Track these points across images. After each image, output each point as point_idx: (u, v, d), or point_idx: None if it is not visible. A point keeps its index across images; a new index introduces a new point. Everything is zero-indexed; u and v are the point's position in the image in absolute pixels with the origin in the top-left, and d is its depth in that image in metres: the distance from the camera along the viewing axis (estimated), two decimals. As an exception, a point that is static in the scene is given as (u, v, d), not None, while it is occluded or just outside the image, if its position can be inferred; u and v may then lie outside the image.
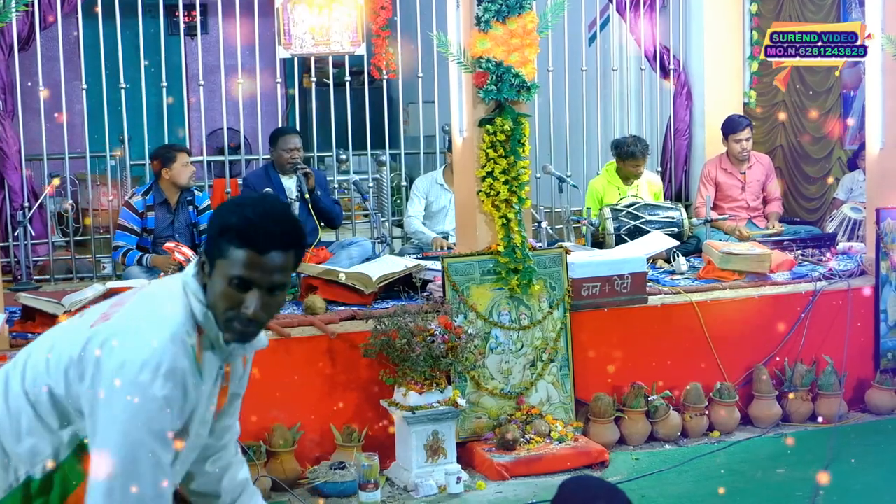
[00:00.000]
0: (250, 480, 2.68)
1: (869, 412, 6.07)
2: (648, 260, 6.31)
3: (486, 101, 5.41)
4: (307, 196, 6.53)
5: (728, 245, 6.48)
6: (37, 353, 2.36)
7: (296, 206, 6.48)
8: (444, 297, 5.36)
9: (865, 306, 6.17)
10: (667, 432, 5.64)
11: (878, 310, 6.19)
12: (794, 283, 6.18)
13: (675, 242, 6.75)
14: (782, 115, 8.27)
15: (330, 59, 7.72)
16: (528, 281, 5.46)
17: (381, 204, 7.86)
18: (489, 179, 5.45)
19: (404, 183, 8.35)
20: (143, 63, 7.04)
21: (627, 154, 7.19)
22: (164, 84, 7.23)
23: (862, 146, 7.03)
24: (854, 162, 7.62)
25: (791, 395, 5.89)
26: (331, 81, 7.74)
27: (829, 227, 7.36)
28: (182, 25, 7.53)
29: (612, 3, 8.22)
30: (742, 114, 8.09)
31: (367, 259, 6.32)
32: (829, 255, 6.68)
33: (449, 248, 6.75)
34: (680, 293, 5.94)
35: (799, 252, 6.69)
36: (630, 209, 7.00)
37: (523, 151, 5.49)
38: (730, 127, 7.52)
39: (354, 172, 7.73)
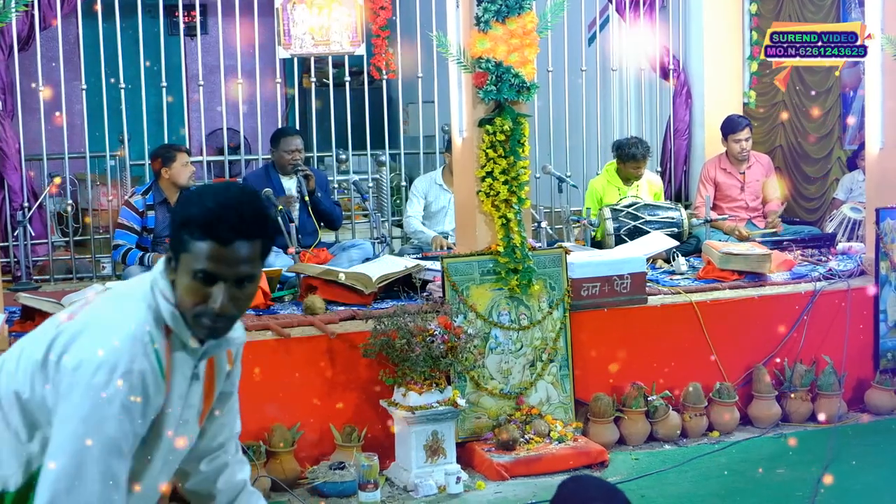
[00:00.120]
0: (250, 482, 2.62)
1: (868, 412, 6.07)
2: (648, 260, 6.31)
3: (486, 101, 5.41)
4: (307, 198, 6.53)
5: (728, 245, 6.48)
6: (10, 358, 2.28)
7: (296, 208, 6.48)
8: (444, 298, 5.36)
9: (865, 306, 6.17)
10: (666, 432, 5.64)
11: (877, 310, 6.19)
12: (794, 283, 6.18)
13: (675, 243, 6.76)
14: (782, 116, 8.27)
15: (329, 59, 7.72)
16: (528, 281, 5.46)
17: (380, 204, 7.86)
18: (489, 179, 5.45)
19: (404, 183, 8.36)
20: (143, 63, 7.04)
21: (628, 156, 7.19)
22: (164, 84, 7.23)
23: (861, 146, 7.03)
24: (853, 162, 7.62)
25: (792, 396, 5.89)
26: (330, 81, 7.75)
27: (829, 228, 7.37)
28: (182, 26, 7.53)
29: (611, 3, 8.23)
30: (741, 114, 8.10)
31: (367, 260, 6.32)
32: (829, 255, 6.69)
33: (448, 247, 6.75)
34: (680, 293, 5.94)
35: (798, 252, 6.69)
36: (630, 209, 7.00)
37: (523, 151, 5.49)
38: (729, 127, 7.53)
39: (354, 172, 7.73)
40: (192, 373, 2.27)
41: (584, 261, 5.77)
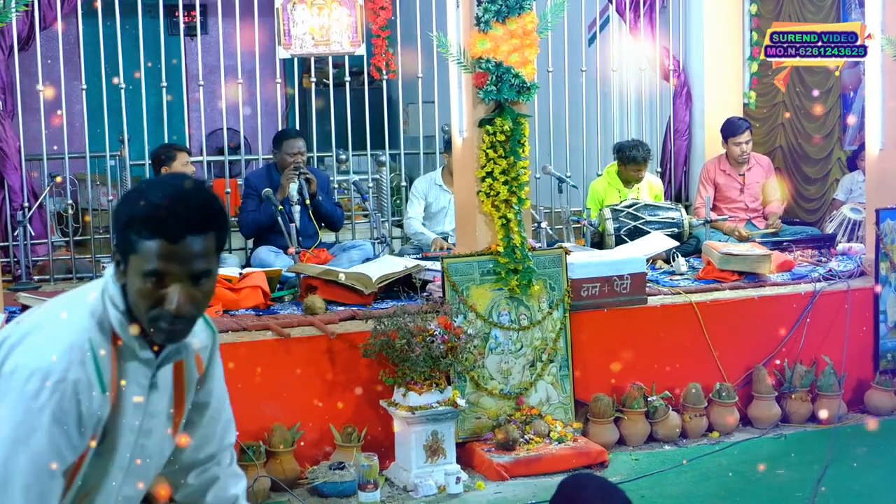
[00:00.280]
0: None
1: (868, 413, 6.07)
2: (648, 260, 6.32)
3: (486, 101, 5.41)
4: (308, 202, 6.53)
5: (728, 246, 6.48)
6: None
7: (296, 210, 6.48)
8: (444, 298, 5.36)
9: (865, 307, 6.17)
10: (666, 433, 5.64)
11: (877, 310, 6.19)
12: (794, 283, 6.18)
13: (675, 243, 6.76)
14: (782, 116, 8.27)
15: (330, 59, 7.72)
16: (528, 281, 5.46)
17: (380, 204, 7.86)
18: (489, 180, 5.45)
19: (404, 183, 8.35)
20: (143, 63, 7.04)
21: (629, 158, 7.20)
22: (164, 84, 7.23)
23: (861, 147, 7.03)
24: (853, 162, 7.62)
25: (792, 396, 5.89)
26: (330, 82, 7.75)
27: (829, 228, 7.36)
28: (182, 26, 7.52)
29: (611, 3, 8.23)
30: (742, 115, 8.10)
31: (367, 260, 6.32)
32: (829, 256, 6.69)
33: (448, 249, 6.75)
34: (679, 294, 5.94)
35: (798, 253, 6.69)
36: (630, 210, 7.00)
37: (523, 152, 5.49)
38: (729, 130, 7.53)
39: (354, 172, 7.72)
40: (150, 382, 2.13)
41: (583, 261, 5.77)
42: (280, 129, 8.64)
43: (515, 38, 5.34)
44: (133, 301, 2.05)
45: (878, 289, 6.16)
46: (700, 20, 8.35)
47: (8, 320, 5.03)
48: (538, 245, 5.99)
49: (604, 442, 5.45)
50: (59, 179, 7.50)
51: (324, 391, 5.18)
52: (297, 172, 6.51)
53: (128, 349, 2.08)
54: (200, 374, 2.29)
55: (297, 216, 6.49)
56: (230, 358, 4.98)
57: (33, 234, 6.89)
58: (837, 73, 7.70)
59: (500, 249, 5.44)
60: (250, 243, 6.96)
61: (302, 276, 5.75)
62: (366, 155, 8.03)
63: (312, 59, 7.67)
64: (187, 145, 7.42)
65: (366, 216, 7.78)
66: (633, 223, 6.93)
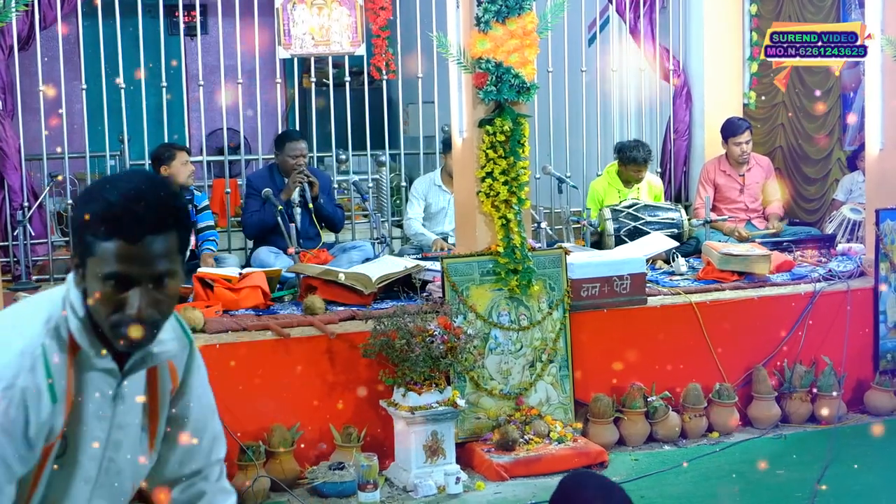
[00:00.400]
0: None
1: (868, 413, 6.07)
2: (648, 261, 6.32)
3: (486, 101, 5.41)
4: (311, 205, 6.54)
5: (727, 246, 6.48)
6: None
7: (297, 212, 6.49)
8: (444, 298, 5.36)
9: (865, 307, 6.17)
10: (666, 433, 5.64)
11: (877, 311, 6.19)
12: (794, 284, 6.18)
13: (675, 243, 6.76)
14: (782, 116, 8.27)
15: (330, 59, 7.72)
16: (528, 281, 5.46)
17: (380, 204, 7.86)
18: (489, 180, 5.45)
19: (404, 183, 8.35)
20: (143, 63, 7.04)
21: (629, 159, 7.20)
22: (164, 84, 7.23)
23: (861, 147, 7.03)
24: (853, 162, 7.62)
25: (792, 396, 5.89)
26: (330, 82, 7.74)
27: (829, 229, 7.36)
28: (182, 26, 7.52)
29: (611, 3, 8.23)
30: (742, 115, 8.10)
31: (367, 260, 6.32)
32: (829, 256, 6.69)
33: (448, 249, 6.75)
34: (679, 294, 5.94)
35: (798, 253, 6.69)
36: (630, 210, 7.00)
37: (523, 152, 5.49)
38: (729, 130, 7.53)
39: (354, 173, 7.73)
40: (115, 392, 2.02)
41: (583, 261, 5.77)
42: (280, 129, 8.65)
43: (515, 38, 5.34)
44: (93, 306, 1.94)
45: (884, 288, 6.15)
46: (700, 20, 8.35)
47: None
48: (538, 245, 5.99)
49: (603, 442, 5.45)
50: (59, 178, 7.50)
51: (323, 391, 5.18)
52: (303, 177, 6.51)
53: (87, 357, 1.97)
54: (175, 385, 2.15)
55: (298, 218, 6.50)
56: (230, 358, 5.00)
57: (33, 233, 6.89)
58: (837, 73, 7.69)
59: (500, 250, 5.44)
60: (250, 243, 6.96)
61: (302, 276, 5.75)
62: (366, 155, 8.03)
63: (312, 59, 7.67)
64: (187, 145, 7.41)
65: (366, 216, 7.79)
66: (633, 223, 6.93)
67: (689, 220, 7.08)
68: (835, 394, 5.88)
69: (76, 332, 1.96)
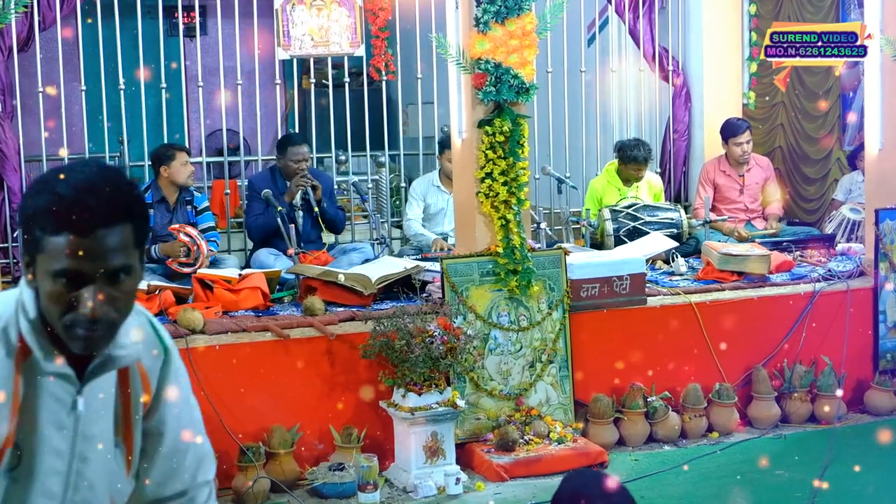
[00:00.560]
0: None
1: (868, 413, 6.07)
2: (647, 261, 6.31)
3: (485, 102, 5.42)
4: (315, 209, 6.54)
5: (727, 246, 6.48)
6: None
7: (299, 215, 6.50)
8: (443, 299, 5.36)
9: (864, 307, 6.17)
10: (666, 433, 5.64)
11: (876, 311, 6.19)
12: (794, 283, 6.18)
13: (674, 243, 6.76)
14: (781, 116, 8.27)
15: (329, 60, 7.72)
16: (527, 282, 5.46)
17: (380, 205, 7.86)
18: (488, 180, 5.45)
19: (403, 184, 8.35)
20: (142, 64, 7.04)
21: (630, 158, 7.20)
22: (164, 85, 7.23)
23: (861, 146, 7.03)
24: (853, 161, 7.61)
25: (792, 397, 5.89)
26: (330, 83, 7.75)
27: (828, 228, 7.36)
28: (181, 27, 7.53)
29: (610, 4, 8.23)
30: (741, 115, 8.10)
31: (367, 261, 6.32)
32: (829, 256, 6.69)
33: (449, 249, 6.75)
34: (679, 294, 5.94)
35: (798, 253, 6.69)
36: (629, 210, 7.00)
37: (522, 152, 5.49)
38: (729, 130, 7.53)
39: (353, 173, 7.73)
40: (74, 400, 1.86)
41: (583, 262, 5.77)
42: (279, 129, 8.66)
43: (514, 38, 5.34)
44: (44, 306, 1.80)
45: (890, 286, 6.15)
46: (699, 21, 8.35)
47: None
48: (537, 246, 5.99)
49: (603, 442, 5.45)
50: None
51: (323, 392, 5.18)
52: (306, 181, 6.52)
53: (38, 362, 1.83)
54: (148, 396, 1.98)
55: (300, 220, 6.52)
56: (230, 359, 5.01)
57: (33, 235, 6.88)
58: (838, 73, 7.69)
59: (500, 250, 5.44)
60: (250, 244, 6.96)
61: (301, 277, 5.75)
62: (365, 156, 8.03)
63: (312, 60, 7.67)
64: (186, 146, 7.41)
65: (365, 217, 7.79)
66: (633, 224, 6.94)
67: (688, 220, 7.08)
68: (835, 394, 5.88)
69: (27, 335, 1.83)
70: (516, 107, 5.48)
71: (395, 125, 8.31)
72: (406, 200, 7.63)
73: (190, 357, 4.84)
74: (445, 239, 7.03)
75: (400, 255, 6.82)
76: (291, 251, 6.12)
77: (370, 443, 5.15)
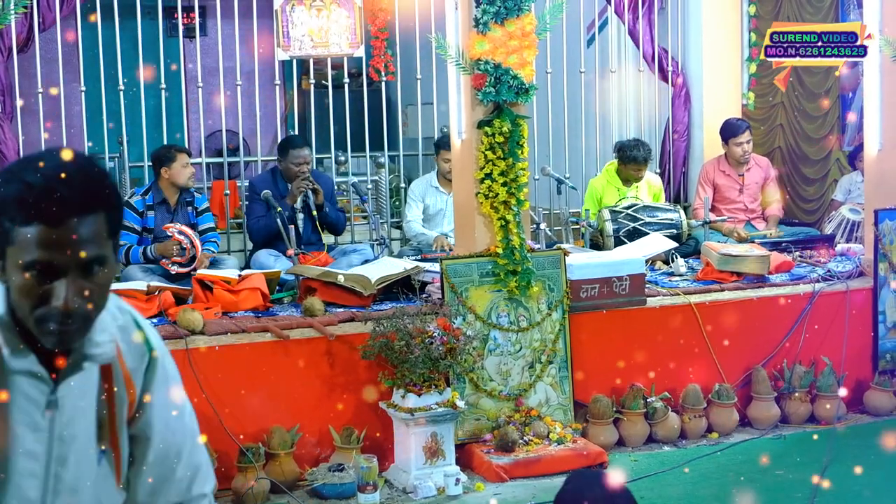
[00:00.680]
0: None
1: (868, 413, 6.07)
2: (647, 261, 6.32)
3: (485, 102, 5.42)
4: (315, 213, 6.55)
5: (726, 246, 6.48)
6: None
7: (300, 218, 6.50)
8: (443, 299, 5.36)
9: (864, 307, 6.17)
10: (665, 434, 5.64)
11: (876, 311, 6.20)
12: (793, 284, 6.18)
13: (674, 244, 6.76)
14: (780, 117, 8.28)
15: (328, 60, 7.72)
16: (527, 282, 5.47)
17: (379, 206, 7.86)
18: (488, 181, 5.45)
19: (403, 185, 8.35)
20: (141, 65, 7.04)
21: (629, 158, 7.20)
22: (163, 86, 7.23)
23: (860, 146, 7.03)
24: (853, 160, 7.61)
25: (791, 397, 5.89)
26: (329, 83, 7.75)
27: (828, 229, 7.37)
28: (181, 27, 7.53)
29: (610, 4, 8.23)
30: (740, 115, 8.11)
31: (367, 262, 6.32)
32: (828, 256, 6.69)
33: (451, 248, 6.75)
34: (678, 294, 5.94)
35: (797, 253, 6.70)
36: (629, 211, 7.00)
37: (522, 153, 5.49)
38: (730, 131, 7.54)
39: (353, 174, 7.73)
40: (47, 400, 1.78)
41: (582, 262, 5.77)
42: (279, 130, 8.66)
43: (514, 39, 5.34)
44: (15, 300, 1.72)
45: (874, 290, 6.16)
46: (698, 21, 8.36)
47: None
48: (537, 246, 5.99)
49: (603, 443, 5.45)
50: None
51: (323, 393, 5.18)
52: (307, 184, 6.52)
53: (7, 360, 1.75)
54: (132, 401, 1.89)
55: (301, 223, 6.53)
56: (229, 359, 5.01)
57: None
58: (838, 74, 7.70)
59: (499, 251, 5.44)
60: (249, 245, 6.96)
61: (301, 277, 5.75)
62: (365, 156, 8.03)
63: (311, 61, 7.67)
64: (187, 147, 7.41)
65: (365, 218, 7.79)
66: (632, 224, 6.94)
67: (688, 220, 7.08)
68: (834, 394, 5.88)
69: None
70: (516, 107, 5.48)
71: (394, 126, 8.31)
72: (405, 202, 7.63)
73: (189, 358, 4.84)
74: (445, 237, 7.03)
75: (399, 255, 6.82)
76: (291, 252, 6.12)
77: (370, 443, 5.15)
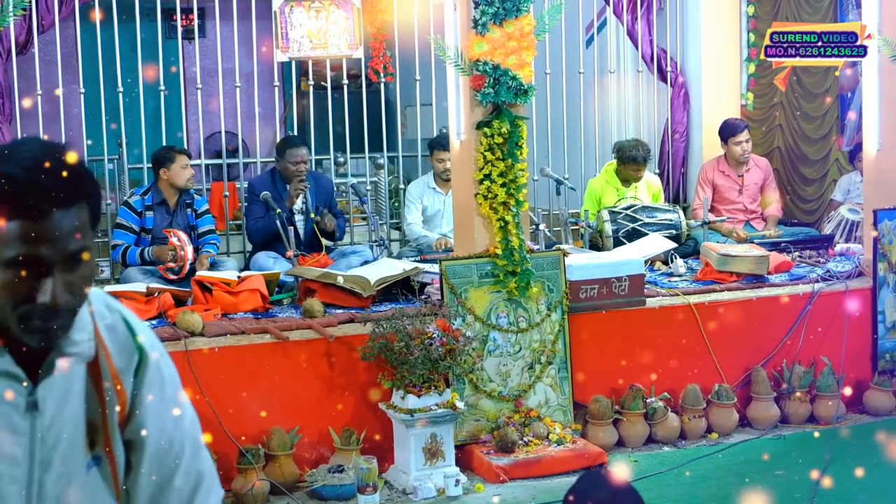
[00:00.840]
0: None
1: (867, 413, 6.07)
2: (646, 262, 6.32)
3: (484, 103, 5.42)
4: (314, 215, 6.54)
5: (726, 247, 6.48)
6: None
7: (301, 220, 6.49)
8: (442, 300, 5.36)
9: (863, 307, 6.17)
10: (665, 434, 5.64)
11: (875, 311, 6.20)
12: (792, 284, 6.19)
13: (673, 244, 6.76)
14: (779, 117, 8.28)
15: (327, 62, 7.72)
16: (526, 283, 5.47)
17: (378, 207, 7.86)
18: (487, 182, 5.45)
19: (402, 186, 8.36)
20: (140, 67, 7.04)
21: (628, 158, 7.20)
22: (162, 88, 7.23)
23: (859, 146, 7.04)
24: (853, 159, 7.61)
25: (791, 397, 5.89)
26: (328, 84, 7.75)
27: (827, 229, 7.37)
28: (180, 29, 7.53)
29: (609, 5, 8.23)
30: (739, 116, 8.11)
31: (366, 263, 6.32)
32: (827, 256, 6.69)
33: (452, 248, 6.75)
34: (678, 295, 5.95)
35: (797, 253, 6.70)
36: (628, 211, 7.00)
37: (521, 154, 5.49)
38: (728, 130, 7.54)
39: (352, 175, 7.73)
40: (27, 402, 1.69)
41: (582, 263, 5.77)
42: (278, 131, 8.65)
43: (513, 40, 5.35)
44: None
45: (873, 290, 6.16)
46: (697, 22, 8.36)
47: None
48: (536, 247, 5.99)
49: (603, 443, 5.45)
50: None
51: (322, 394, 5.18)
52: (305, 185, 6.52)
53: None
54: (122, 401, 1.79)
55: (301, 227, 6.53)
56: (229, 361, 5.01)
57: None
58: (837, 74, 7.70)
59: (499, 252, 5.44)
60: (249, 247, 6.96)
61: (300, 279, 5.75)
62: (364, 158, 8.03)
63: (310, 62, 7.67)
64: (187, 149, 7.41)
65: (364, 219, 7.79)
66: (631, 225, 6.94)
67: (687, 221, 7.08)
68: (834, 394, 5.88)
69: None
70: (515, 108, 5.48)
71: (393, 127, 8.32)
72: (404, 203, 7.63)
73: (189, 359, 4.84)
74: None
75: (399, 256, 6.82)
76: (290, 254, 6.12)
77: (369, 445, 5.15)
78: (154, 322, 5.16)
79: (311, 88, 7.70)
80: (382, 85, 7.89)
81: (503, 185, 5.44)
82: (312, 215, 6.60)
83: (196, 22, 7.71)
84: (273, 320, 5.33)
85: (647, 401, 5.63)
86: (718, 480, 5.12)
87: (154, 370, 1.82)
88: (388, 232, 7.78)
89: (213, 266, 6.21)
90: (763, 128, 8.37)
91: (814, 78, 7.96)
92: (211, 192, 8.14)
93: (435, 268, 5.60)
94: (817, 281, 6.17)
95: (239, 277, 5.63)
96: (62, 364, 1.70)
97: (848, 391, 6.01)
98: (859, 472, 5.09)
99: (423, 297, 5.59)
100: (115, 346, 1.78)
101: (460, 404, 5.10)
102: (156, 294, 5.37)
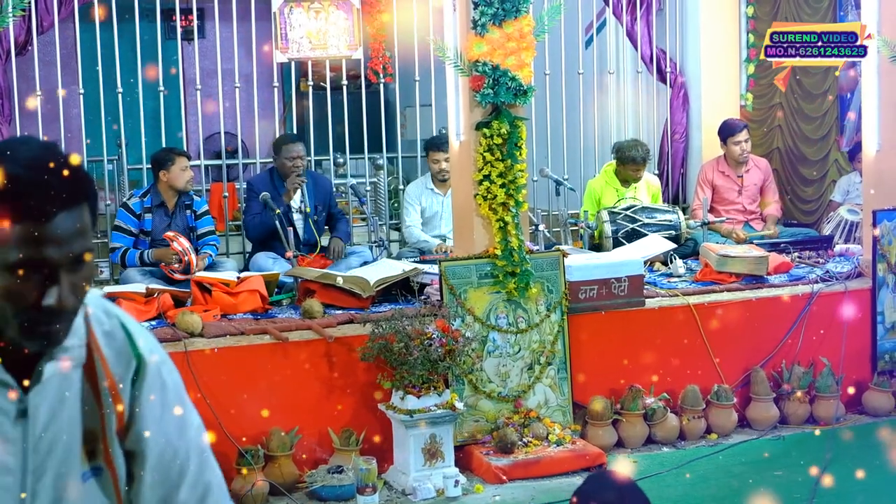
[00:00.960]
0: None
1: (866, 414, 6.07)
2: (646, 263, 6.32)
3: (483, 104, 5.42)
4: (314, 217, 6.55)
5: (725, 248, 6.48)
6: None
7: (300, 219, 6.49)
8: (442, 301, 5.36)
9: (862, 308, 6.17)
10: (664, 435, 5.64)
11: (874, 311, 6.20)
12: (792, 285, 6.19)
13: (673, 245, 6.76)
14: (779, 118, 8.28)
15: (327, 63, 7.73)
16: (526, 284, 5.47)
17: (378, 208, 7.86)
18: (486, 183, 5.45)
19: (401, 186, 8.36)
20: (139, 67, 7.04)
21: (628, 158, 7.20)
22: (162, 88, 7.23)
23: (858, 146, 7.04)
24: (853, 159, 7.61)
25: (791, 398, 5.89)
26: (328, 85, 7.76)
27: (826, 230, 7.37)
28: (179, 30, 7.53)
29: (608, 6, 8.23)
30: (739, 116, 8.12)
31: (366, 264, 6.32)
32: (827, 257, 6.69)
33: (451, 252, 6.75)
34: (677, 296, 5.94)
35: (796, 254, 6.70)
36: (627, 212, 7.00)
37: (520, 155, 5.49)
38: (728, 130, 7.54)
39: (351, 176, 7.73)
40: (17, 409, 1.64)
41: (581, 264, 5.77)
42: (277, 132, 8.66)
43: (512, 41, 5.35)
44: None
45: (872, 291, 6.16)
46: (696, 22, 8.37)
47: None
48: (536, 248, 5.99)
49: (602, 444, 5.45)
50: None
51: (322, 395, 5.18)
52: (302, 180, 6.53)
53: None
54: (120, 410, 1.73)
55: (300, 225, 6.52)
56: (228, 362, 5.00)
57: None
58: (837, 74, 7.70)
59: (498, 252, 5.44)
60: (249, 247, 6.96)
61: (300, 279, 5.75)
62: (363, 158, 8.03)
63: (310, 63, 7.68)
64: (185, 149, 7.42)
65: (363, 220, 7.79)
66: (631, 226, 6.94)
67: (686, 221, 7.08)
68: (833, 395, 5.88)
69: None
70: (514, 109, 5.48)
71: (392, 128, 8.32)
72: (403, 204, 7.63)
73: (188, 360, 4.84)
74: (444, 241, 7.03)
75: (398, 257, 6.82)
76: (290, 254, 6.12)
77: (369, 445, 5.15)
78: (153, 323, 5.17)
79: (311, 89, 7.71)
80: (382, 86, 7.89)
81: (502, 185, 5.44)
82: (314, 218, 6.60)
83: (195, 23, 7.71)
84: (272, 321, 5.33)
85: (647, 401, 5.63)
86: (718, 481, 5.12)
87: (153, 377, 1.77)
88: (388, 233, 7.78)
89: (213, 267, 6.20)
90: (762, 128, 8.37)
91: (813, 78, 7.97)
92: (210, 193, 8.14)
93: (434, 268, 5.60)
94: (817, 282, 6.17)
95: (238, 278, 5.63)
96: (53, 370, 1.65)
97: (848, 391, 6.01)
98: (859, 473, 5.09)
99: (423, 297, 5.59)
100: (112, 352, 1.73)
101: (460, 405, 5.10)
102: (155, 295, 5.37)
